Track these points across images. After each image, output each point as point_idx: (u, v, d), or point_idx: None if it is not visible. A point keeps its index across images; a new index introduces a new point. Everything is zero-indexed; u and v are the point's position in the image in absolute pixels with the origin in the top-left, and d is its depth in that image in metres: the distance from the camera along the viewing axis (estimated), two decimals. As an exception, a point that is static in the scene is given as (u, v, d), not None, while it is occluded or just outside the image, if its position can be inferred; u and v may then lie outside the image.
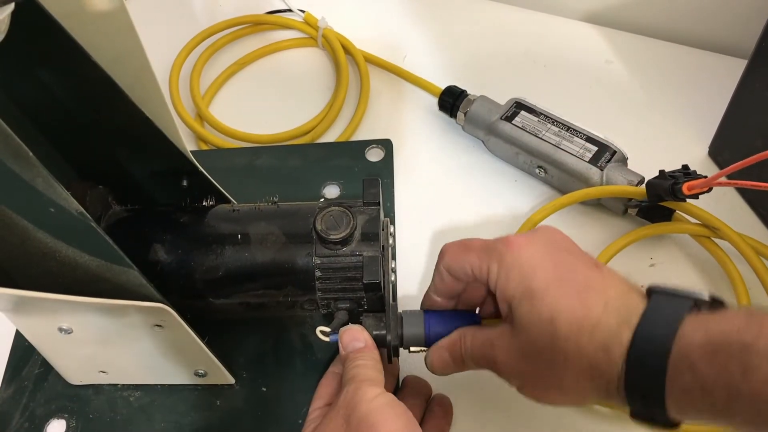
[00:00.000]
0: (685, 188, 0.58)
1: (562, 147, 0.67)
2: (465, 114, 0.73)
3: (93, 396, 0.60)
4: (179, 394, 0.59)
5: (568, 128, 0.68)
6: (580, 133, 0.68)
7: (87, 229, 0.45)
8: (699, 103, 0.75)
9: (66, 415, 0.59)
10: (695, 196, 0.59)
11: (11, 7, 0.41)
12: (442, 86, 0.76)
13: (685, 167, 0.60)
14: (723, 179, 0.54)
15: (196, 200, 0.57)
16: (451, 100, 0.74)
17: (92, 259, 0.46)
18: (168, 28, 0.87)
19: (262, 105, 0.81)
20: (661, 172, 0.61)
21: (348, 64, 0.81)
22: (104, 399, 0.60)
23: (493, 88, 0.74)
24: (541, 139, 0.68)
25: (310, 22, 0.83)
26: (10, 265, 0.47)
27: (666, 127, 0.74)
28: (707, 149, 0.71)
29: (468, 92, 0.74)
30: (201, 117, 0.78)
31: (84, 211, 0.44)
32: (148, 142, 0.53)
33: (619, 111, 0.76)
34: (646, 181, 0.63)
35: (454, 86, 0.75)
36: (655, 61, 0.80)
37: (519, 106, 0.71)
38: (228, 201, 0.59)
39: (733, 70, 0.66)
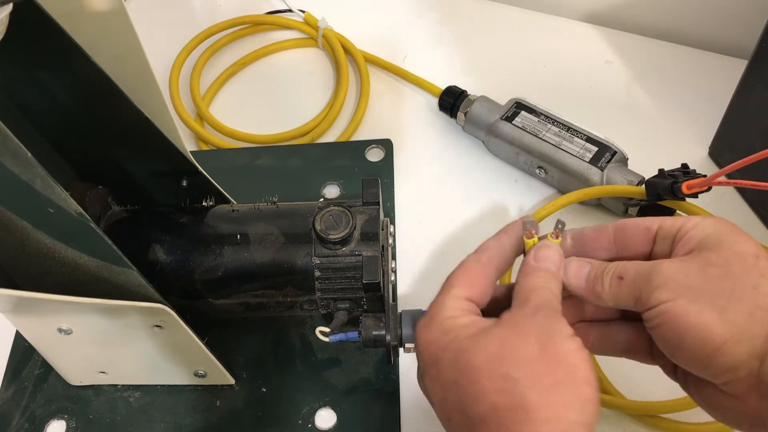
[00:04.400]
0: (684, 187, 0.57)
1: (562, 147, 0.67)
2: (465, 114, 0.72)
3: (93, 397, 0.60)
4: (179, 395, 0.59)
5: (569, 128, 0.68)
6: (580, 133, 0.68)
7: (86, 230, 0.45)
8: (699, 104, 0.75)
9: (66, 416, 0.59)
10: (695, 195, 0.58)
11: (10, 7, 0.41)
12: (442, 86, 0.76)
13: (685, 166, 0.60)
14: (722, 178, 0.54)
15: (195, 200, 0.57)
16: (452, 101, 0.74)
17: (92, 260, 0.46)
18: (168, 28, 0.87)
19: (262, 105, 0.81)
20: (661, 171, 0.61)
21: (348, 65, 0.81)
22: (104, 399, 0.60)
23: (493, 88, 0.74)
24: (541, 139, 0.68)
25: (310, 23, 0.83)
26: (9, 266, 0.47)
27: (666, 128, 0.74)
28: (707, 149, 0.71)
29: (468, 92, 0.74)
30: (201, 117, 0.78)
31: (83, 212, 0.44)
32: (148, 142, 0.53)
33: (619, 111, 0.76)
34: (645, 180, 0.63)
35: (455, 86, 0.75)
36: (655, 61, 0.80)
37: (519, 106, 0.71)
38: (228, 201, 0.59)
39: (734, 70, 0.66)
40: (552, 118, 0.69)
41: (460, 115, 0.73)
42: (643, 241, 0.43)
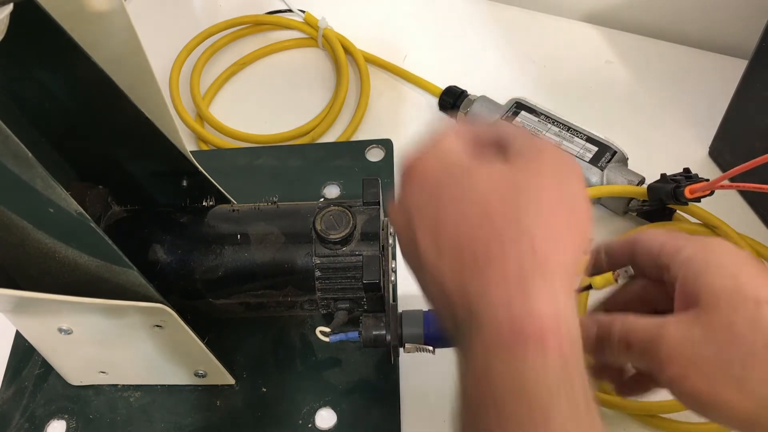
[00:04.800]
0: (687, 192, 0.58)
1: (562, 147, 0.67)
2: (465, 114, 0.73)
3: (93, 396, 0.60)
4: (179, 395, 0.59)
5: (569, 128, 0.68)
6: (580, 133, 0.68)
7: (86, 230, 0.45)
8: (699, 104, 0.75)
9: (66, 416, 0.59)
10: (697, 200, 0.58)
11: (10, 7, 0.41)
12: (443, 86, 0.76)
13: (687, 170, 0.60)
14: (725, 182, 0.54)
15: (195, 200, 0.57)
16: (452, 100, 0.74)
17: (92, 260, 0.46)
18: (168, 28, 0.87)
19: (262, 105, 0.81)
20: (663, 175, 0.61)
21: (348, 65, 0.81)
22: (104, 399, 0.60)
23: (493, 88, 0.74)
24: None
25: (310, 23, 0.83)
26: (9, 266, 0.47)
27: (666, 128, 0.74)
28: (707, 149, 0.71)
29: (468, 92, 0.74)
30: (201, 117, 0.78)
31: (83, 212, 0.44)
32: (148, 142, 0.53)
33: (619, 111, 0.76)
34: (647, 185, 0.63)
35: (455, 86, 0.75)
36: (655, 61, 0.80)
37: (519, 106, 0.71)
38: (228, 201, 0.59)
39: (734, 70, 0.66)
40: (552, 118, 0.69)
41: (461, 114, 0.73)
42: (651, 263, 0.41)
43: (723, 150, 0.70)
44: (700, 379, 0.36)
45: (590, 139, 0.68)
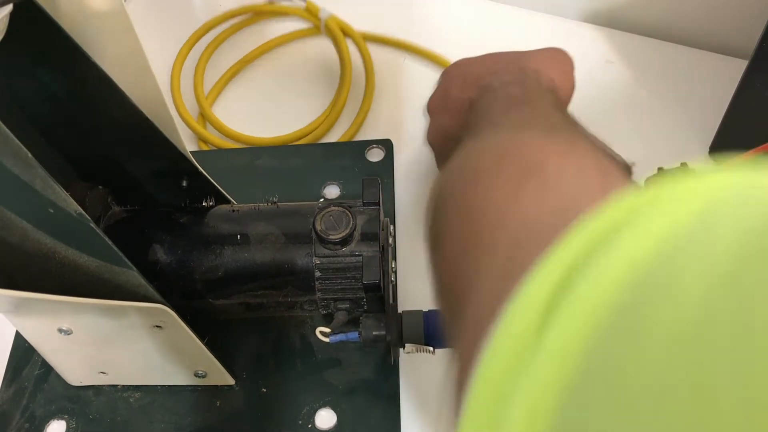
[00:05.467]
0: None
1: None
2: None
3: (93, 397, 0.60)
4: (179, 395, 0.59)
5: None
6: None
7: (86, 230, 0.45)
8: (699, 104, 0.75)
9: (66, 416, 0.59)
10: None
11: (9, 7, 0.41)
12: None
13: (684, 164, 0.60)
14: None
15: (195, 201, 0.57)
16: None
17: (92, 260, 0.46)
18: (168, 28, 0.87)
19: (265, 103, 0.80)
20: (660, 169, 0.61)
21: (351, 60, 0.80)
22: (104, 400, 0.60)
23: (493, 88, 0.74)
24: None
25: (311, 11, 0.82)
26: (9, 266, 0.47)
27: (666, 128, 0.74)
28: (707, 149, 0.71)
29: None
30: (204, 118, 0.78)
31: (83, 212, 0.44)
32: (148, 142, 0.53)
33: (620, 111, 0.76)
34: (645, 179, 0.63)
35: None
36: (655, 61, 0.80)
37: None
38: (228, 201, 0.59)
39: (734, 70, 0.66)
40: None
41: None
42: None
43: (723, 150, 0.70)
44: None
45: None
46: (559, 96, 0.50)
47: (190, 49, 0.82)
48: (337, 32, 0.81)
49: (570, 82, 0.56)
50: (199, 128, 0.76)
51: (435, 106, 0.61)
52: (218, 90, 0.81)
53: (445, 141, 0.56)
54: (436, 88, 0.61)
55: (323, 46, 0.84)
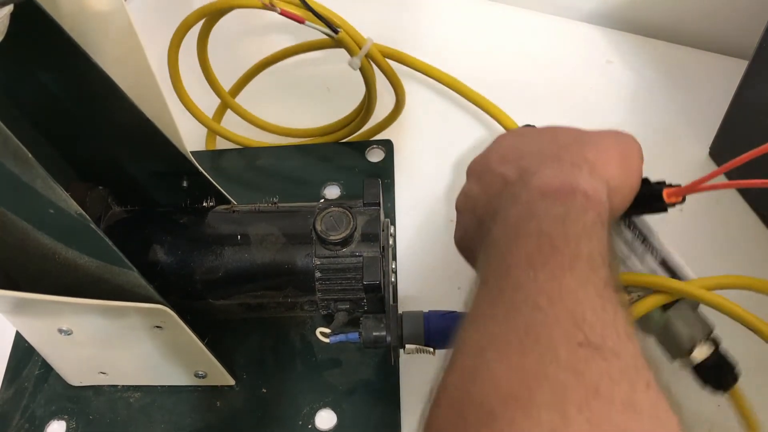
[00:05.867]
0: (665, 196, 0.48)
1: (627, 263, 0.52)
2: None
3: (93, 397, 0.60)
4: (179, 395, 0.59)
5: (643, 239, 0.52)
6: (655, 250, 0.52)
7: (86, 231, 0.45)
8: (700, 104, 0.75)
9: (66, 417, 0.59)
10: (673, 205, 0.49)
11: (10, 7, 0.41)
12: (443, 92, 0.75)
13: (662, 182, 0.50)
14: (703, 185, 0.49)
15: (196, 201, 0.57)
16: None
17: (92, 261, 0.46)
18: (168, 28, 0.87)
19: (284, 108, 0.79)
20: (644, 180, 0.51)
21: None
22: (104, 400, 0.60)
23: (492, 88, 0.74)
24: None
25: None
26: (9, 267, 0.47)
27: (666, 128, 0.74)
28: (707, 150, 0.71)
29: None
30: (226, 105, 0.75)
31: (83, 213, 0.44)
32: (148, 142, 0.53)
33: (620, 111, 0.76)
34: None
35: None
36: (655, 61, 0.80)
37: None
38: (228, 202, 0.59)
39: (734, 70, 0.66)
40: (649, 243, 0.52)
41: None
42: None
43: (723, 150, 0.70)
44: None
45: (664, 263, 0.51)
46: (612, 205, 0.39)
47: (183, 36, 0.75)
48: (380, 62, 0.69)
49: (631, 179, 0.43)
50: (212, 122, 0.75)
51: (462, 199, 0.47)
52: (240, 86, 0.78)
53: (467, 249, 0.47)
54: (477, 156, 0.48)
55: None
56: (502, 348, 0.29)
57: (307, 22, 0.61)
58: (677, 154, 0.70)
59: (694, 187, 0.49)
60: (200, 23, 0.75)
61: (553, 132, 0.45)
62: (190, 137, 0.77)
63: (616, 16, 0.83)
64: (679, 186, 0.49)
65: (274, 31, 0.85)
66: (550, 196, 0.37)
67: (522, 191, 0.38)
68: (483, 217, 0.43)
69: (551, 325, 0.29)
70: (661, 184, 0.49)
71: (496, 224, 0.38)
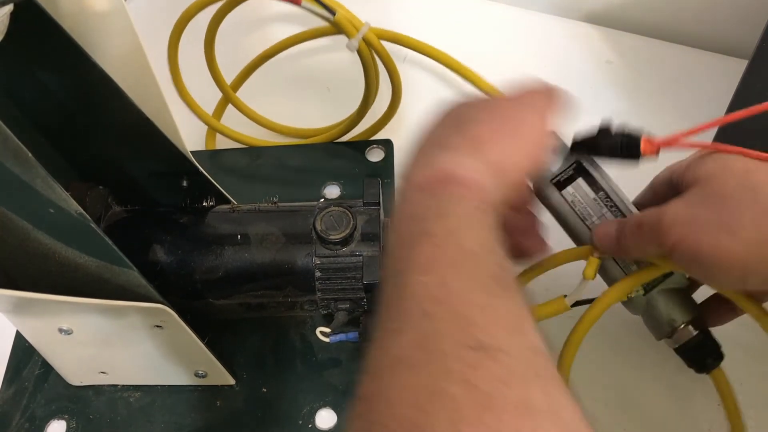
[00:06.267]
0: (642, 144, 0.49)
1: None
2: None
3: (93, 397, 0.60)
4: (179, 395, 0.59)
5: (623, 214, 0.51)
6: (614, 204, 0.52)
7: (86, 230, 0.45)
8: (699, 104, 0.75)
9: (66, 416, 0.59)
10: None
11: (10, 6, 0.41)
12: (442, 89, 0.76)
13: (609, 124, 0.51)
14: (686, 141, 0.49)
15: (196, 201, 0.57)
16: None
17: (92, 260, 0.46)
18: (169, 28, 0.87)
19: (285, 101, 0.79)
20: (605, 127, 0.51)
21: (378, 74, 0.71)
22: (104, 400, 0.60)
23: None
24: (586, 226, 0.51)
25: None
26: (9, 266, 0.47)
27: (666, 128, 0.74)
28: (708, 149, 0.71)
29: None
30: (228, 100, 0.75)
31: (83, 212, 0.44)
32: (148, 142, 0.53)
33: (620, 111, 0.76)
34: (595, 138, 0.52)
35: None
36: (655, 61, 0.80)
37: (580, 170, 0.52)
38: (228, 201, 0.59)
39: (734, 70, 0.66)
40: (611, 201, 0.51)
41: None
42: (667, 188, 0.47)
43: (723, 150, 0.70)
44: (697, 236, 0.40)
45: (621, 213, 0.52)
46: (508, 181, 0.39)
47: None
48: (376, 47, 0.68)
49: (528, 150, 0.41)
50: (213, 120, 0.75)
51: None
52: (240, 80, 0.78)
53: None
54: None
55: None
56: (395, 367, 0.29)
57: (303, 3, 0.60)
58: (677, 153, 0.70)
59: (674, 141, 0.49)
60: (203, 17, 0.75)
61: (459, 110, 0.44)
62: (190, 137, 0.77)
63: (616, 16, 0.83)
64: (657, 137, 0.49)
65: (271, 24, 0.85)
66: (426, 189, 0.36)
67: (406, 188, 0.38)
68: None
69: (440, 333, 0.28)
70: (638, 133, 0.50)
71: (390, 228, 0.38)
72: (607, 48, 0.82)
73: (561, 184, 0.52)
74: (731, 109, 0.67)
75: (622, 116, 0.74)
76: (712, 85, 0.76)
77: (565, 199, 0.52)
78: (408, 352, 0.28)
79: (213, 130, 0.76)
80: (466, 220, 0.34)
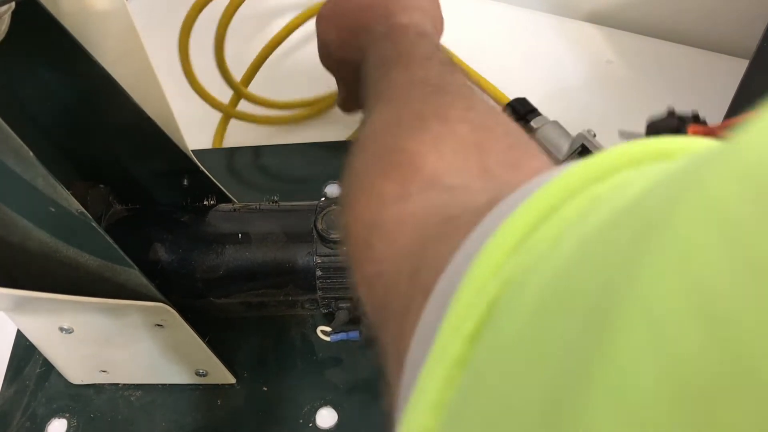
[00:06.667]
0: (689, 132, 0.53)
1: None
2: (535, 131, 0.63)
3: (94, 395, 0.60)
4: (180, 394, 0.59)
5: None
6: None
7: (87, 229, 0.45)
8: (700, 104, 0.75)
9: (67, 415, 0.59)
10: None
11: (12, 5, 0.41)
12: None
13: (696, 115, 0.57)
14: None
15: (197, 199, 0.57)
16: (523, 111, 0.65)
17: (93, 259, 0.46)
18: (170, 27, 0.87)
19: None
20: (671, 111, 0.58)
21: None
22: (105, 398, 0.60)
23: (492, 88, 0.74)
24: None
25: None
26: (10, 265, 0.47)
27: (666, 127, 0.74)
28: (708, 149, 0.71)
29: (539, 111, 0.66)
30: (239, 95, 0.75)
31: (84, 211, 0.44)
32: (149, 141, 0.53)
33: (620, 111, 0.76)
34: (648, 120, 0.59)
35: (524, 100, 0.67)
36: (655, 61, 0.80)
37: (584, 151, 0.59)
38: (229, 200, 0.59)
39: (735, 70, 0.66)
40: None
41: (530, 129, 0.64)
42: None
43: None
44: None
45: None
46: (432, 34, 0.50)
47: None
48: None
49: (438, 10, 0.56)
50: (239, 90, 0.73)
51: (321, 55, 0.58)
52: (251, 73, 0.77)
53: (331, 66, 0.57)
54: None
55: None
56: (380, 107, 0.40)
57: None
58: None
59: (718, 130, 0.52)
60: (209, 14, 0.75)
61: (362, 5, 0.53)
62: (198, 134, 0.76)
63: (616, 16, 0.83)
64: (705, 125, 0.54)
65: (271, 17, 0.85)
66: (389, 37, 0.48)
67: (374, 39, 0.49)
68: (346, 52, 0.53)
69: (410, 94, 0.39)
70: (685, 119, 0.55)
71: (366, 61, 0.48)
72: (607, 48, 0.82)
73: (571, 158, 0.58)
74: (731, 109, 0.67)
75: (622, 116, 0.75)
76: (712, 85, 0.76)
77: None
78: (383, 104, 0.40)
79: (227, 116, 0.76)
80: (417, 42, 0.46)
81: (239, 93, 0.75)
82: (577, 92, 0.78)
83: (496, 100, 0.70)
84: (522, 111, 0.64)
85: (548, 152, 0.59)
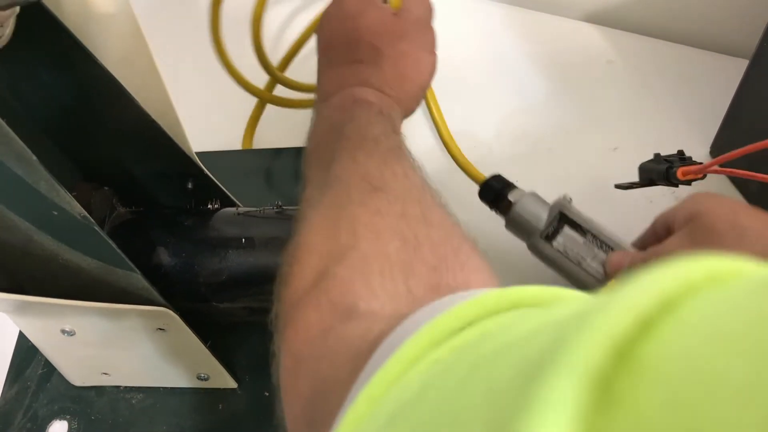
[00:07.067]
0: (679, 174, 0.55)
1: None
2: (512, 204, 0.60)
3: (95, 397, 0.60)
4: (181, 397, 0.59)
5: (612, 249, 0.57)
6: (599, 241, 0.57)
7: (90, 233, 0.45)
8: (700, 103, 0.75)
9: (68, 416, 0.59)
10: (688, 183, 0.55)
11: (17, 9, 0.41)
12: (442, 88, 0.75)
13: (681, 153, 0.58)
14: (717, 167, 0.52)
15: (200, 203, 0.57)
16: (499, 187, 0.62)
17: (95, 263, 0.46)
18: (174, 28, 0.86)
19: None
20: (656, 155, 0.58)
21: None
22: (106, 401, 0.60)
23: (492, 88, 0.74)
24: (582, 268, 0.56)
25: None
26: (13, 268, 0.47)
27: (667, 128, 0.74)
28: (708, 149, 0.71)
29: (515, 185, 0.61)
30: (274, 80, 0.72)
31: (87, 215, 0.44)
32: (153, 144, 0.53)
33: (620, 111, 0.76)
34: (639, 165, 0.59)
35: (500, 176, 0.63)
36: (656, 61, 0.80)
37: (563, 218, 0.58)
38: (233, 204, 0.59)
39: (735, 69, 0.66)
40: (599, 240, 0.57)
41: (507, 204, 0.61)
42: (666, 232, 0.54)
43: (724, 150, 0.69)
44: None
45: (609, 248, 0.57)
46: (393, 118, 0.49)
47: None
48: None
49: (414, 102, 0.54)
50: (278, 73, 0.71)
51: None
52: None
53: None
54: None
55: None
56: (316, 207, 0.41)
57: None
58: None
59: (702, 170, 0.54)
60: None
61: (358, 24, 0.52)
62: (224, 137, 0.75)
63: (616, 16, 0.83)
64: (694, 164, 0.56)
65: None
66: (340, 108, 0.48)
67: (323, 107, 0.50)
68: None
69: (348, 185, 0.40)
70: (672, 161, 0.56)
71: (328, 105, 0.49)
72: (607, 48, 0.82)
73: (550, 237, 0.58)
74: (732, 108, 0.67)
75: (622, 116, 0.75)
76: (712, 85, 0.76)
77: (557, 250, 0.57)
78: (326, 199, 0.41)
79: (262, 103, 0.75)
80: (374, 122, 0.46)
81: (275, 78, 0.72)
82: (577, 92, 0.78)
83: (473, 178, 0.66)
84: (498, 187, 0.62)
85: (528, 224, 0.59)
